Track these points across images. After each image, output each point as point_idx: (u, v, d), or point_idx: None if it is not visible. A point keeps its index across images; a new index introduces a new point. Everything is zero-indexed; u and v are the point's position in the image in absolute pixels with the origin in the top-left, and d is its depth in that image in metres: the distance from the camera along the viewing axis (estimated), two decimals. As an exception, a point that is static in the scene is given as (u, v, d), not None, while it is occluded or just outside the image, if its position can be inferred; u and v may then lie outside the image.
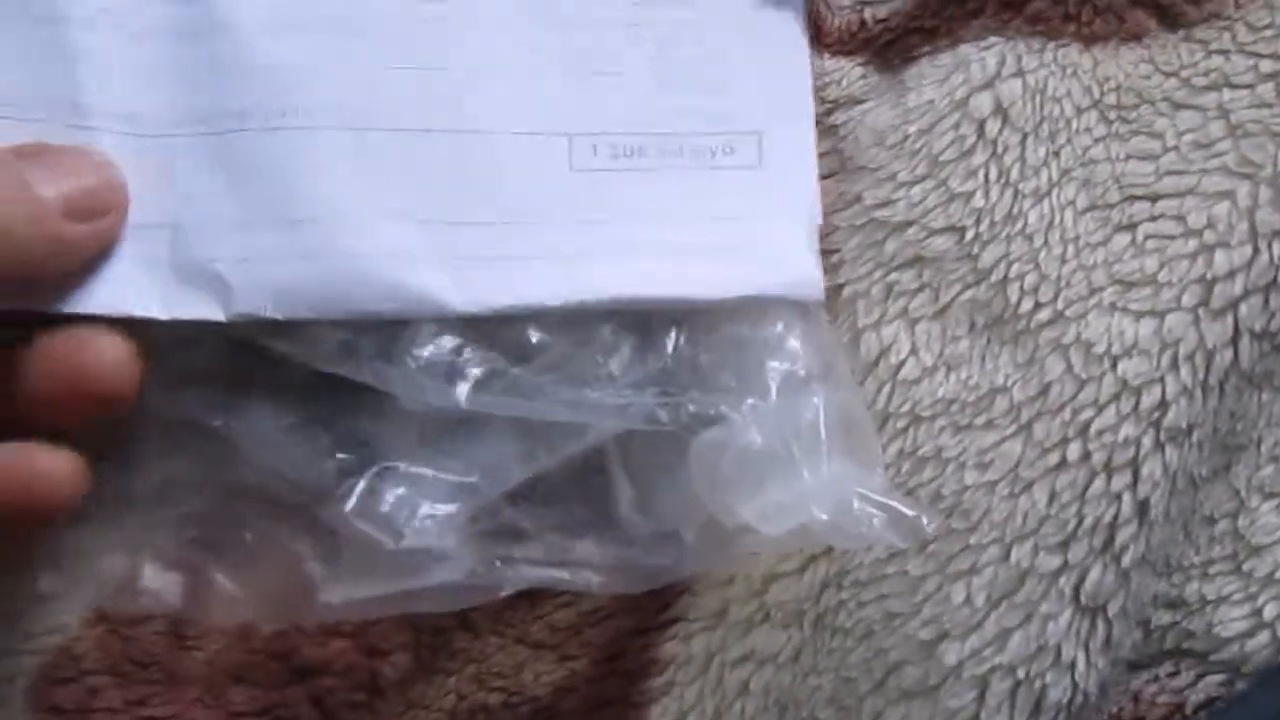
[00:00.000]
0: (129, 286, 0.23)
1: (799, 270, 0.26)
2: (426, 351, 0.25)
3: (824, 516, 0.24)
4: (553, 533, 0.26)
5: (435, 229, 0.24)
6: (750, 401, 0.24)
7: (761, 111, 0.26)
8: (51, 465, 0.22)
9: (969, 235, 0.27)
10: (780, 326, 0.25)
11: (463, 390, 0.25)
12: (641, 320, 0.25)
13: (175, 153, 0.24)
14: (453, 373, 0.25)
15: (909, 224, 0.27)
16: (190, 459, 0.26)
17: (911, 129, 0.28)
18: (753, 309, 0.25)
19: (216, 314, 0.23)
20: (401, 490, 0.24)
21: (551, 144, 0.25)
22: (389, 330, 0.24)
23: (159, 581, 0.26)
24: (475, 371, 0.25)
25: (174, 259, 0.23)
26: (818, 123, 0.27)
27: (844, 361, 0.26)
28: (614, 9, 0.26)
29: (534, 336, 0.25)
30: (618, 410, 0.25)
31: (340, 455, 0.25)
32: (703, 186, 0.25)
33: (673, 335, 0.25)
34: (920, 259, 0.27)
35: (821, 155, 0.27)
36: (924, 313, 0.27)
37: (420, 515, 0.24)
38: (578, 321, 0.25)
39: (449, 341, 0.25)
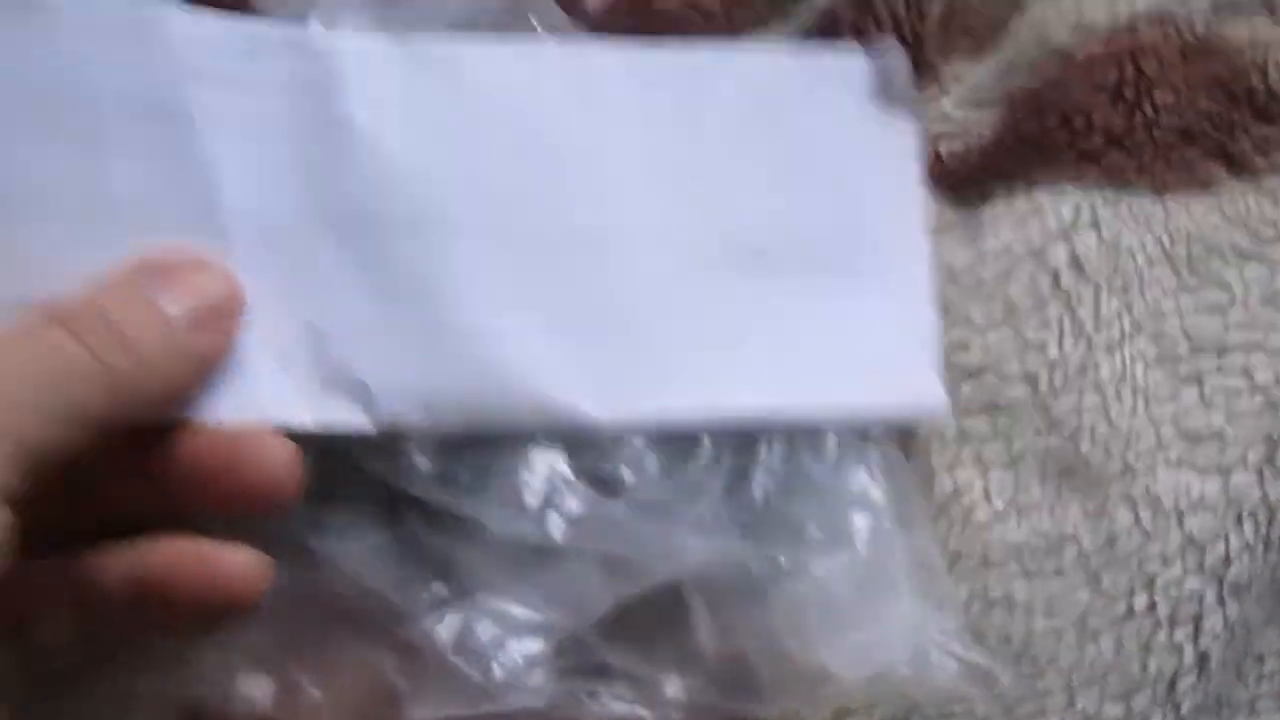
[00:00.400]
0: (274, 394, 0.23)
1: (922, 388, 0.26)
2: (519, 483, 0.25)
3: (903, 664, 0.25)
4: (633, 665, 0.26)
5: (572, 339, 0.24)
6: (836, 553, 0.25)
7: (879, 221, 0.26)
8: (237, 562, 0.22)
9: (1043, 385, 0.28)
10: (864, 473, 0.26)
11: (555, 524, 0.25)
12: (730, 460, 0.26)
13: (313, 254, 0.24)
14: (545, 505, 0.25)
15: (984, 370, 0.28)
16: (280, 568, 0.27)
17: (987, 273, 0.29)
18: (841, 451, 0.26)
19: (363, 423, 0.24)
20: (492, 627, 0.25)
21: (679, 248, 0.25)
22: (483, 458, 0.25)
23: (250, 685, 0.27)
24: (568, 505, 0.25)
25: (317, 365, 0.24)
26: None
27: (920, 504, 0.27)
28: (733, 108, 0.26)
29: (625, 472, 0.26)
30: (707, 553, 0.25)
31: (429, 580, 0.26)
32: (824, 296, 0.26)
33: (760, 478, 0.26)
34: (995, 406, 0.28)
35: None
36: (997, 459, 0.28)
37: (511, 652, 0.25)
38: (669, 458, 0.26)
39: (542, 473, 0.25)
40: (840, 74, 0.27)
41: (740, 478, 0.26)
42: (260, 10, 0.28)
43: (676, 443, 0.26)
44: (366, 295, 0.24)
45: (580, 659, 0.26)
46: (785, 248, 0.26)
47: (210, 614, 0.23)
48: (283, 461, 0.22)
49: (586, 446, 0.25)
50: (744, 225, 0.26)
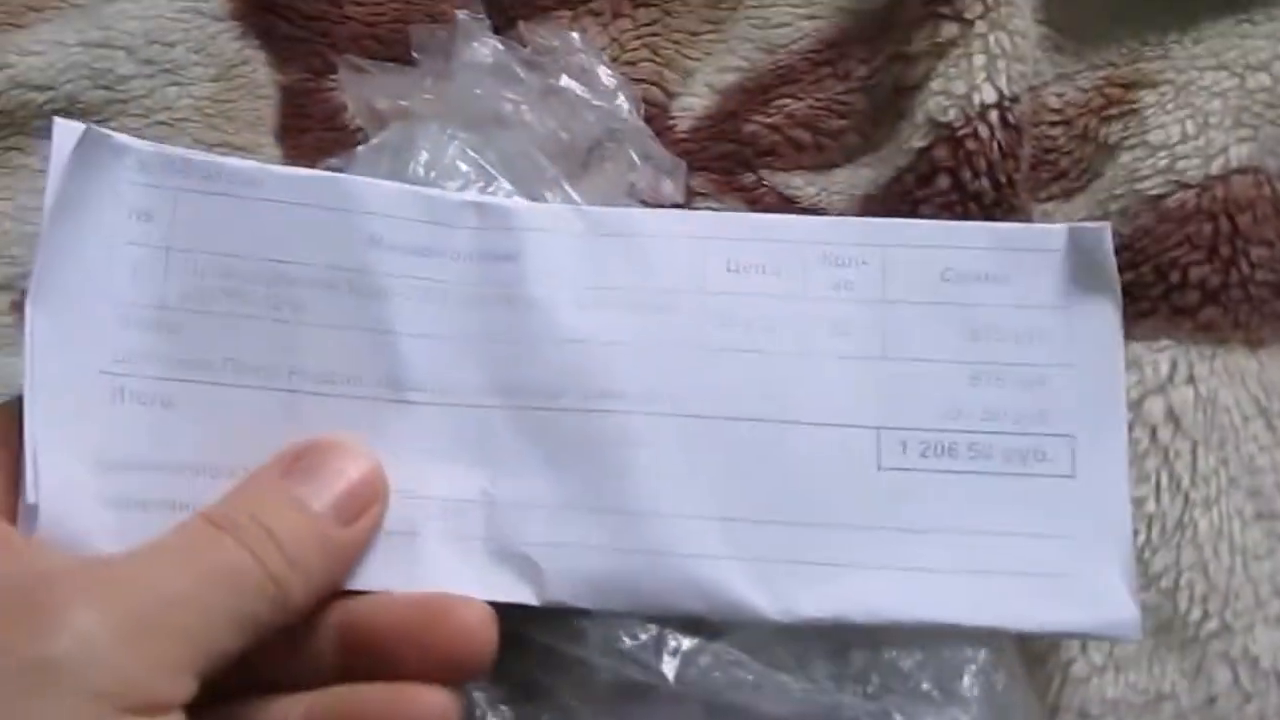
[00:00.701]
0: (444, 564, 0.23)
1: (1113, 605, 0.23)
2: (626, 622, 0.25)
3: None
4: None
5: (744, 528, 0.24)
6: (948, 708, 0.25)
7: (1074, 412, 0.24)
8: (434, 701, 0.22)
9: (1140, 540, 0.28)
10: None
11: (661, 664, 0.25)
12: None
13: (490, 425, 0.24)
14: (651, 645, 0.25)
15: (1081, 522, 0.28)
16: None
17: (1083, 423, 0.29)
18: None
19: (530, 599, 0.24)
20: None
21: (860, 438, 0.24)
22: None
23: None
24: (673, 645, 0.25)
25: (488, 537, 0.24)
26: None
27: (1018, 658, 0.27)
28: (922, 289, 0.25)
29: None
30: (812, 701, 0.25)
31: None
32: (1012, 495, 0.24)
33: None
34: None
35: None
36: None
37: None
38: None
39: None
40: (1038, 253, 0.25)
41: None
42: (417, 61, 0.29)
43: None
44: (540, 468, 0.24)
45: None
46: (974, 443, 0.24)
47: None
48: (479, 621, 0.23)
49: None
50: (931, 416, 0.25)
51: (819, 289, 0.25)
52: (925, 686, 0.26)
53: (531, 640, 0.26)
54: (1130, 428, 0.29)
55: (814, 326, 0.25)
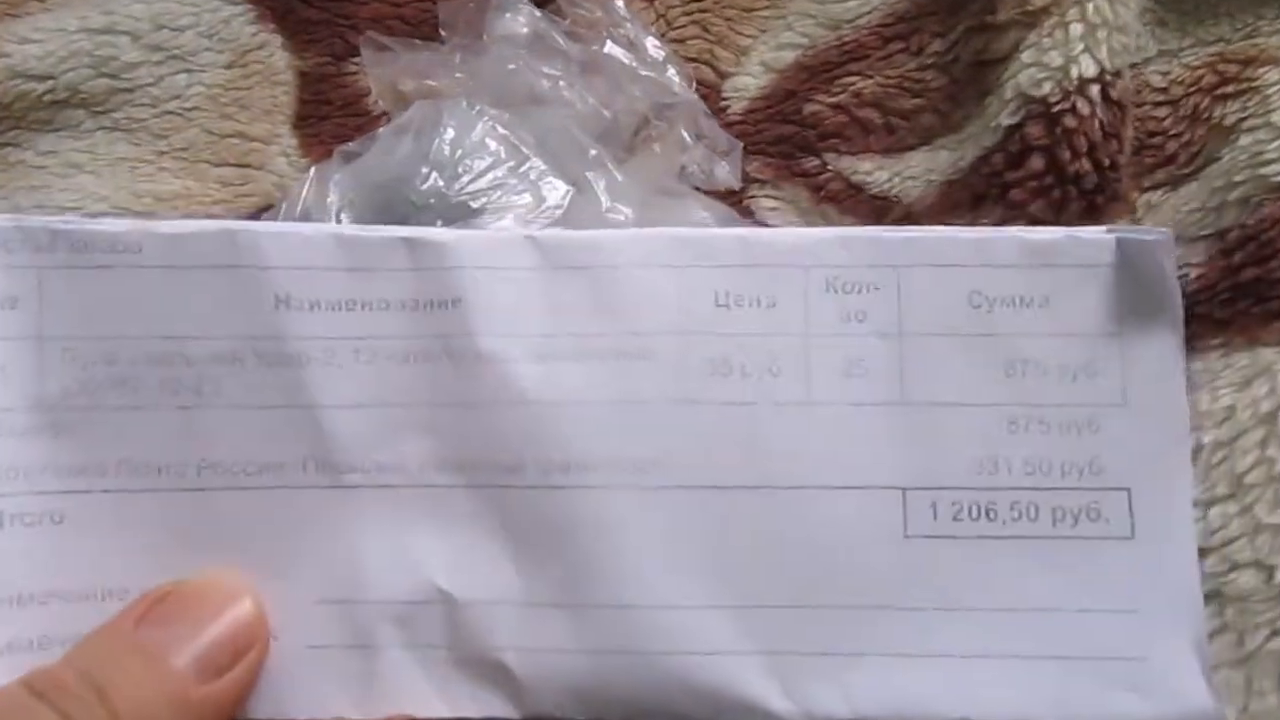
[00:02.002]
0: (405, 680, 0.20)
1: (1186, 693, 0.20)
2: None
3: None
4: None
5: (750, 616, 0.20)
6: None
7: (1132, 460, 0.21)
8: None
9: (1279, 575, 0.24)
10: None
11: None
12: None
13: (442, 506, 0.20)
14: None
15: (1208, 551, 0.24)
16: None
17: (1207, 438, 0.25)
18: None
19: (507, 713, 0.20)
20: None
21: (883, 502, 0.21)
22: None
23: None
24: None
25: (452, 644, 0.20)
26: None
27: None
28: (946, 317, 0.21)
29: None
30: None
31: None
32: (1062, 563, 0.20)
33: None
34: (1220, 595, 0.24)
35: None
36: (1226, 657, 0.24)
37: None
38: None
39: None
40: (1083, 269, 0.21)
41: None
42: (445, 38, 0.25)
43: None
44: (505, 559, 0.20)
45: None
46: (1015, 502, 0.21)
47: None
48: None
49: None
50: (964, 472, 0.21)
51: (825, 323, 0.21)
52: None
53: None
54: (1262, 444, 0.25)
55: (822, 368, 0.21)
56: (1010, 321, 0.21)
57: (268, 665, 0.20)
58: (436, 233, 0.21)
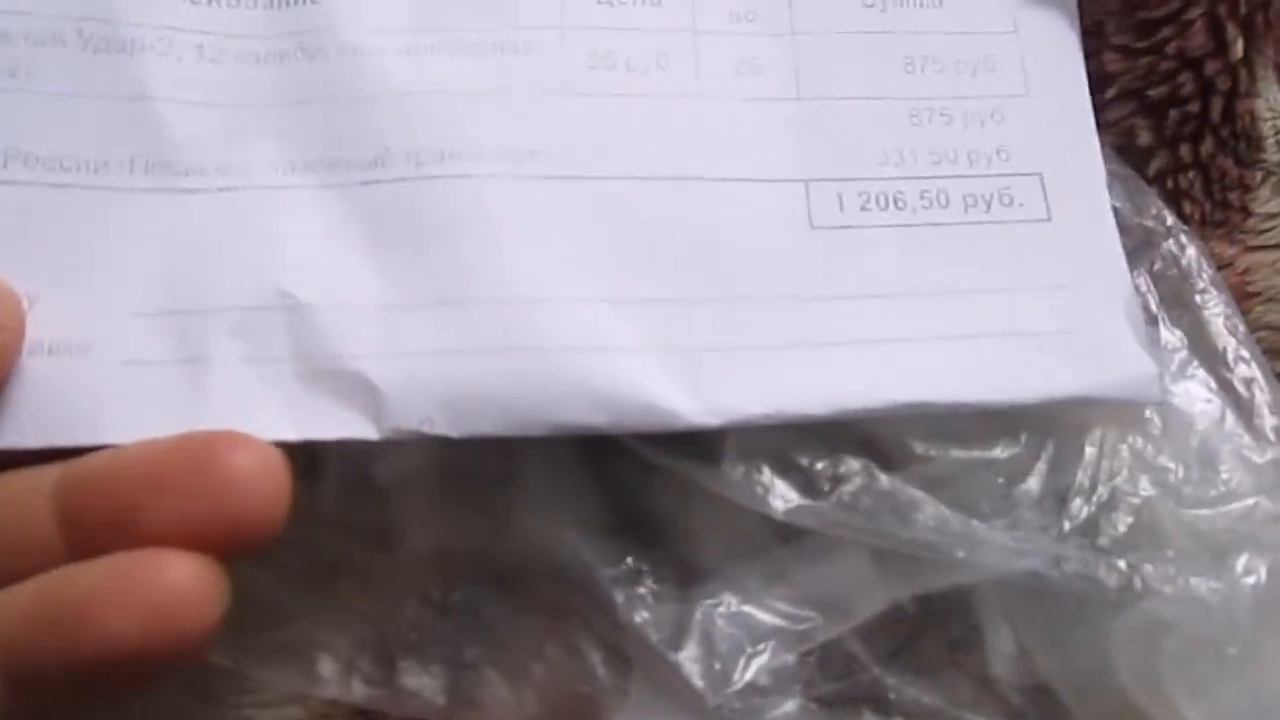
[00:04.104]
0: (241, 397, 0.17)
1: (1125, 361, 0.19)
2: (764, 448, 0.19)
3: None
4: (910, 694, 0.20)
5: (649, 310, 0.18)
6: (1208, 584, 0.18)
7: (1039, 147, 0.20)
8: (183, 577, 0.15)
9: None
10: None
11: (822, 505, 0.19)
12: (1048, 437, 0.20)
13: (290, 209, 0.18)
14: (806, 479, 0.19)
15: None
16: (449, 528, 0.22)
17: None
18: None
19: (366, 431, 0.17)
20: (726, 628, 0.19)
21: (786, 193, 0.19)
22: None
23: (422, 679, 0.22)
24: (830, 473, 0.19)
25: (296, 355, 0.17)
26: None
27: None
28: (839, 18, 0.21)
29: (914, 442, 0.19)
30: (1021, 553, 0.19)
31: (643, 562, 0.20)
32: (981, 247, 0.20)
33: (1091, 467, 0.19)
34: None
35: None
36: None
37: (750, 664, 0.19)
38: (970, 426, 0.19)
39: (793, 435, 0.19)
40: None
41: (1061, 461, 0.20)
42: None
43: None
44: (363, 257, 0.18)
45: (842, 682, 0.20)
46: (924, 190, 0.20)
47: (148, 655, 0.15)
48: (257, 466, 0.15)
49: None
50: (868, 164, 0.20)
51: (713, 21, 0.20)
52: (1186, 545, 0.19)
53: (642, 459, 0.19)
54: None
55: (711, 65, 0.20)
56: (906, 19, 0.21)
57: (75, 384, 0.17)
58: None
